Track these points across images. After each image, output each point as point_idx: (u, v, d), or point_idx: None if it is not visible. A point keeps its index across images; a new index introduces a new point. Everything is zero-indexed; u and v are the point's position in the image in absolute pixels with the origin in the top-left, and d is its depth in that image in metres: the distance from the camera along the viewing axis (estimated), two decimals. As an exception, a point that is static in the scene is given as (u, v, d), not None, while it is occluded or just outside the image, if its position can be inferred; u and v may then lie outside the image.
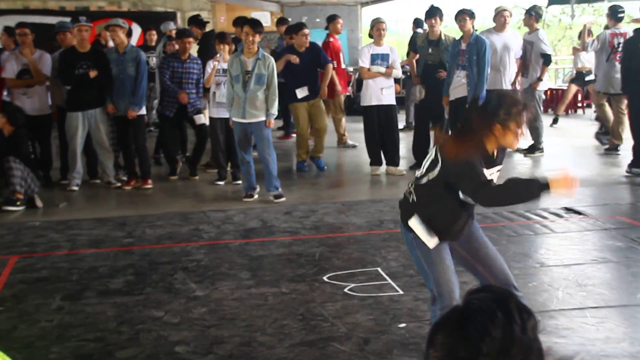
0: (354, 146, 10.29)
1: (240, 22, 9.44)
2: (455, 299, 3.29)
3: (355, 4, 16.00)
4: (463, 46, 8.07)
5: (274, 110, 7.09)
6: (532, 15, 9.42)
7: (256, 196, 7.24)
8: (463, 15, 8.09)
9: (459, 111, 7.77)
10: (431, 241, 3.27)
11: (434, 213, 3.29)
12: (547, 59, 9.23)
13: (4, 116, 7.08)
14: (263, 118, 7.01)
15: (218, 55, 7.90)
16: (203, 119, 8.33)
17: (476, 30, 8.26)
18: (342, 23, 10.30)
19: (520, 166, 8.66)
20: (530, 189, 3.12)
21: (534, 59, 9.20)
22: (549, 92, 13.36)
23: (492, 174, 3.29)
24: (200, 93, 8.25)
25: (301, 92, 8.55)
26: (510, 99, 3.22)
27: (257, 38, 7.00)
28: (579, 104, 14.41)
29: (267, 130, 7.07)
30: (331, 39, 9.96)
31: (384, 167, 8.49)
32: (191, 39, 8.36)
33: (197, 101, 8.35)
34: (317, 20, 14.13)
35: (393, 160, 8.43)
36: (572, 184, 3.11)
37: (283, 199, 7.09)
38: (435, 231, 3.28)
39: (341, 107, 10.14)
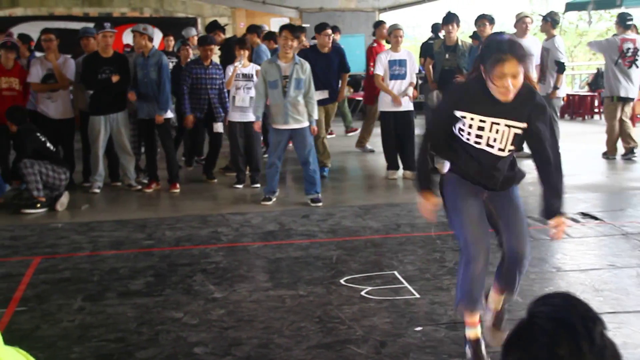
0: (371, 151, 10.26)
1: (253, 29, 9.50)
2: (481, 254, 3.21)
3: (373, 10, 15.99)
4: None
5: (316, 115, 7.11)
6: (548, 21, 9.35)
7: (274, 199, 7.23)
8: (483, 21, 8.07)
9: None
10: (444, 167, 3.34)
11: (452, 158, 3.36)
12: (561, 67, 9.16)
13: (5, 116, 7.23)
14: (306, 124, 7.00)
15: (238, 59, 7.92)
16: (221, 127, 8.31)
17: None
18: (387, 28, 10.17)
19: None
20: (418, 182, 3.40)
21: (550, 66, 9.14)
22: (565, 98, 13.25)
23: (489, 123, 3.16)
24: (225, 98, 8.23)
25: (320, 95, 8.51)
26: (497, 44, 3.03)
27: (295, 43, 7.01)
28: (596, 110, 14.30)
29: (310, 136, 7.07)
30: (375, 44, 9.86)
31: (400, 172, 8.46)
32: (213, 46, 8.35)
33: (220, 108, 8.31)
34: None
35: (409, 165, 8.40)
36: (422, 210, 3.43)
37: (320, 204, 7.06)
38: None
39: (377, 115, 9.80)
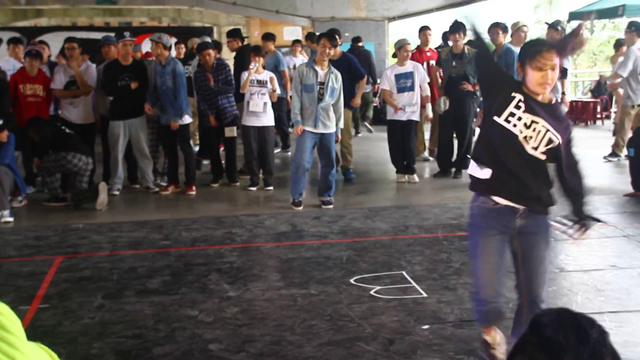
0: (426, 159, 9.87)
1: (268, 37, 9.56)
2: (490, 299, 3.16)
3: (382, 19, 16.00)
4: (495, 59, 8.01)
5: (342, 124, 7.17)
6: (559, 29, 9.31)
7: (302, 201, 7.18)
8: (496, 29, 8.09)
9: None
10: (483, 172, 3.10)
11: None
12: (564, 73, 9.11)
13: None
14: (333, 129, 7.03)
15: (252, 66, 7.91)
16: (234, 132, 8.23)
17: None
18: (430, 34, 9.88)
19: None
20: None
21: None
22: (569, 104, 13.18)
23: (526, 121, 3.02)
24: (232, 83, 8.15)
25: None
26: (536, 40, 3.14)
27: (332, 51, 7.03)
28: (598, 115, 14.22)
29: (333, 142, 7.11)
30: (415, 51, 9.75)
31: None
32: (210, 51, 8.14)
33: (231, 107, 8.22)
34: (346, 34, 14.13)
35: (410, 168, 8.42)
36: None
37: (331, 206, 7.08)
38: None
39: (427, 118, 9.17)
